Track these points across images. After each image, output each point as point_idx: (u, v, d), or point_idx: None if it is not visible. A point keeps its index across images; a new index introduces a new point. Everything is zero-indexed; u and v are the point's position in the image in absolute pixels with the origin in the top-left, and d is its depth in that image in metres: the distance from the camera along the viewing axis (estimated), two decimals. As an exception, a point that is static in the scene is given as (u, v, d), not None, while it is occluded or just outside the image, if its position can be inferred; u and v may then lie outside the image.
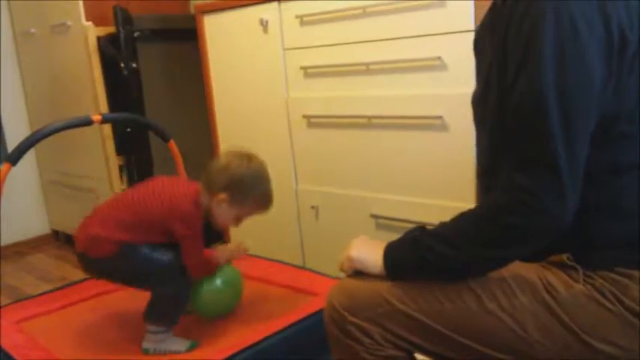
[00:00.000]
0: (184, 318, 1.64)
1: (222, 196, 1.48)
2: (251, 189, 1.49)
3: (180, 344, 1.54)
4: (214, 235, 2.04)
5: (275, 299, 1.77)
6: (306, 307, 1.60)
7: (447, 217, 1.69)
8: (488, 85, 1.01)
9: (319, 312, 1.58)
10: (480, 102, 1.07)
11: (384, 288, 1.03)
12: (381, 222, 2.04)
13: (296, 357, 1.51)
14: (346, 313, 1.03)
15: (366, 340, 1.02)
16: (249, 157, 1.52)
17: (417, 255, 0.99)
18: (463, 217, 0.98)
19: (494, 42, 0.98)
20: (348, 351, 1.04)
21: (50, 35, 2.89)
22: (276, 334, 1.49)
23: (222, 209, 1.50)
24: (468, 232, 0.96)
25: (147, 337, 1.54)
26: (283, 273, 1.92)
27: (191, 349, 1.54)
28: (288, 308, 1.64)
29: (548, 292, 0.96)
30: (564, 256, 0.97)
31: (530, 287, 0.97)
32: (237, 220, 1.55)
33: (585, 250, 0.96)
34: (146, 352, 1.53)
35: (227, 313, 1.67)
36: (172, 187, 1.53)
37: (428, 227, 1.04)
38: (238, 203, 1.49)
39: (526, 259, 1.01)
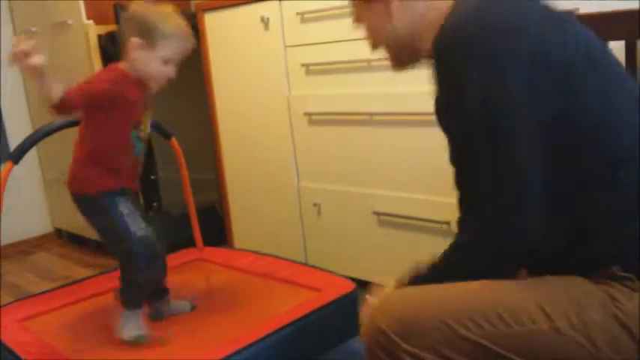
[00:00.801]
0: (185, 314, 1.65)
1: (134, 41, 1.45)
2: (159, 24, 1.45)
3: (130, 329, 1.55)
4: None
5: (277, 295, 1.78)
6: (309, 304, 1.61)
7: (450, 213, 1.69)
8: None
9: (321, 308, 1.59)
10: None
11: (442, 310, 0.94)
12: (383, 219, 2.04)
13: (299, 353, 1.52)
14: (398, 339, 0.93)
15: None
16: (149, 2, 1.49)
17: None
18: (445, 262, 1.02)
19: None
20: None
21: (51, 34, 2.89)
22: (278, 330, 1.49)
23: (141, 56, 1.47)
24: (452, 274, 0.99)
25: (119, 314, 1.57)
26: (286, 269, 1.92)
27: (132, 342, 1.54)
28: (291, 305, 1.64)
29: (615, 305, 0.91)
30: (614, 269, 0.92)
31: (598, 302, 0.91)
32: (167, 65, 1.49)
33: (632, 259, 0.92)
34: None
35: None
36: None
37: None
38: (153, 43, 1.46)
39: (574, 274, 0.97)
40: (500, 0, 0.97)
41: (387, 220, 2.03)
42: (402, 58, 1.14)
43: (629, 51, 1.27)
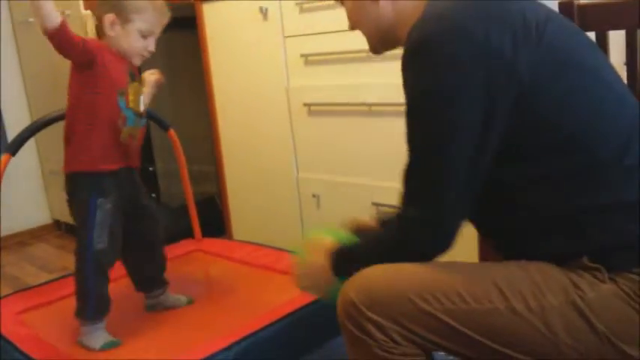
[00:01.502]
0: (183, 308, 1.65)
1: (109, 17, 1.46)
2: None
3: (96, 340, 1.54)
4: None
5: (276, 287, 1.78)
6: (308, 295, 1.60)
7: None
8: None
9: (319, 300, 1.58)
10: None
11: (407, 286, 0.99)
12: (382, 210, 2.04)
13: (297, 344, 1.52)
14: (364, 308, 0.99)
15: (380, 337, 0.98)
16: None
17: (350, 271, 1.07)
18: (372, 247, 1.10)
19: None
20: (362, 346, 1.00)
21: (49, 24, 2.87)
22: (277, 321, 1.49)
23: (118, 33, 1.48)
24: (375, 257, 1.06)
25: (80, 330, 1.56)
26: (284, 261, 1.91)
27: (106, 347, 1.52)
28: (289, 295, 1.64)
29: (576, 293, 0.92)
30: (584, 259, 0.94)
31: (559, 288, 0.93)
32: (144, 39, 1.51)
33: (600, 251, 0.94)
34: (79, 343, 1.55)
35: None
36: None
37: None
38: (127, 18, 1.47)
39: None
40: (472, 3, 0.98)
41: (386, 211, 2.03)
42: (378, 44, 1.19)
43: (630, 41, 1.26)
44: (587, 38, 1.07)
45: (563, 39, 0.99)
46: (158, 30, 1.52)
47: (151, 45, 1.53)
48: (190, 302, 1.73)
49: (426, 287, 0.98)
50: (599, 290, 0.92)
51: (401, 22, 1.09)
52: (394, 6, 1.09)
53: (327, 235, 1.25)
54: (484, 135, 0.94)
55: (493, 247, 1.11)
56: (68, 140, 1.53)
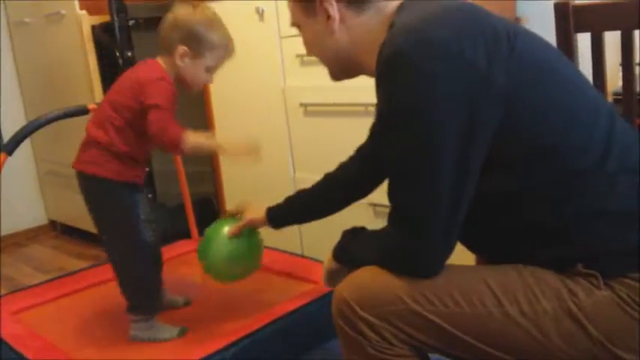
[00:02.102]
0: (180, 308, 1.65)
1: (182, 49, 1.45)
2: (207, 35, 1.46)
3: (168, 331, 1.55)
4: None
5: (273, 287, 1.78)
6: (305, 295, 1.61)
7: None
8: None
9: (317, 300, 1.59)
10: None
11: (400, 285, 0.99)
12: (379, 210, 2.04)
13: (294, 345, 1.52)
14: (356, 307, 0.99)
15: (373, 336, 0.98)
16: (194, 5, 1.49)
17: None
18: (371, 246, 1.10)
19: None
20: (355, 345, 1.00)
21: (44, 24, 2.87)
22: (274, 322, 1.49)
23: (187, 65, 1.48)
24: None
25: (132, 325, 1.55)
26: (282, 261, 1.92)
27: (181, 335, 1.54)
28: (287, 296, 1.64)
29: (571, 299, 0.92)
30: (578, 266, 0.94)
31: (553, 293, 0.93)
32: (208, 73, 1.52)
33: (594, 258, 0.94)
34: (135, 338, 1.54)
35: (238, 279, 1.60)
36: (138, 66, 1.52)
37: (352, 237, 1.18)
38: (200, 53, 1.47)
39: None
40: (441, 16, 0.96)
41: (383, 211, 2.03)
42: (339, 72, 1.18)
43: (625, 42, 1.27)
44: (555, 49, 1.06)
45: (533, 50, 0.98)
46: (221, 65, 1.54)
47: (210, 78, 1.54)
48: (188, 304, 1.73)
49: (418, 288, 0.97)
50: (594, 297, 0.92)
51: (361, 50, 1.07)
52: (350, 35, 1.07)
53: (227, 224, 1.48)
54: (467, 149, 0.92)
55: (481, 259, 1.11)
56: (104, 149, 1.48)
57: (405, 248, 0.97)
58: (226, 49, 1.51)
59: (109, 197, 1.51)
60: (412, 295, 0.97)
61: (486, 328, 0.94)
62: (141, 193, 1.56)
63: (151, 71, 1.46)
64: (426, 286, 0.97)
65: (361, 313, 0.98)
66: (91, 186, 1.51)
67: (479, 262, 1.32)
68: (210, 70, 1.52)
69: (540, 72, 0.97)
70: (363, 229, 1.19)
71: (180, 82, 1.51)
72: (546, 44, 1.04)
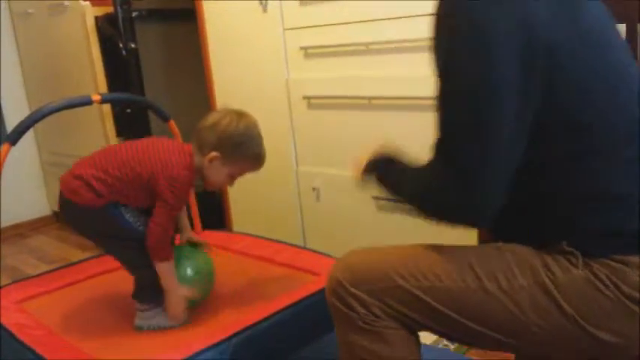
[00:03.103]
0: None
1: (214, 154, 1.46)
2: (242, 147, 1.48)
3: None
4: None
5: (276, 279, 1.78)
6: (307, 287, 1.61)
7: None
8: None
9: (319, 292, 1.59)
10: None
11: (388, 263, 1.05)
12: (382, 204, 2.05)
13: (296, 337, 1.52)
14: (348, 285, 1.06)
15: (362, 311, 1.04)
16: (239, 115, 1.50)
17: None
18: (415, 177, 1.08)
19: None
20: (346, 321, 1.07)
21: (48, 15, 2.87)
22: (276, 313, 1.49)
23: (214, 168, 1.49)
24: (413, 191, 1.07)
25: (137, 314, 1.55)
26: (284, 253, 1.92)
27: (185, 322, 1.55)
28: (289, 288, 1.64)
29: (547, 275, 0.96)
30: (563, 243, 0.97)
31: (530, 270, 0.97)
32: (231, 179, 1.54)
33: (581, 237, 0.97)
34: (140, 328, 1.54)
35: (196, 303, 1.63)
36: (166, 143, 1.52)
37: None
38: (230, 161, 1.48)
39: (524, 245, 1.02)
40: None
41: (385, 204, 2.04)
42: None
43: (630, 35, 1.27)
44: (612, 19, 1.04)
45: (595, 18, 0.98)
46: (243, 175, 1.55)
47: (231, 183, 1.56)
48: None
49: (405, 266, 1.04)
50: (569, 274, 0.95)
51: None
52: None
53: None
54: (523, 102, 0.92)
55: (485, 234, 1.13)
56: (92, 185, 1.47)
57: (462, 201, 0.96)
58: (256, 163, 1.53)
59: (94, 220, 1.51)
60: (399, 272, 1.03)
61: (465, 302, 0.99)
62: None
63: (178, 161, 1.47)
64: (413, 265, 1.03)
65: (352, 290, 1.05)
66: (76, 212, 1.51)
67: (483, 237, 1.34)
68: (234, 176, 1.53)
69: (596, 43, 0.96)
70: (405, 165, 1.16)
71: (201, 177, 1.53)
72: (605, 11, 1.03)
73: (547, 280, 0.96)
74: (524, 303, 0.96)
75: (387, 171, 1.16)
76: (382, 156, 1.19)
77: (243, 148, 1.48)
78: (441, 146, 0.99)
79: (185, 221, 1.71)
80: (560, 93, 0.93)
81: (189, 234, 1.72)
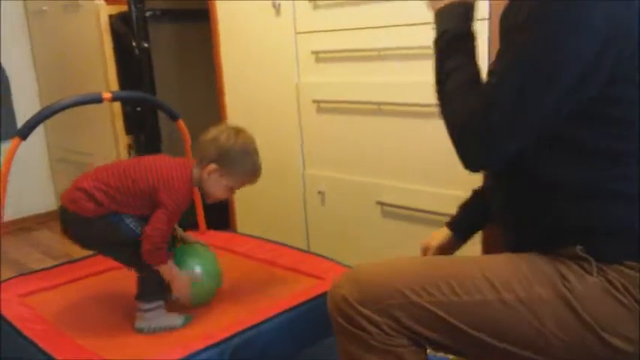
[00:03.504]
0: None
1: (212, 167, 1.53)
2: (239, 161, 1.55)
3: (174, 319, 1.56)
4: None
5: (278, 282, 1.78)
6: (310, 291, 1.61)
7: (455, 206, 1.67)
8: None
9: (322, 295, 1.58)
10: None
11: (398, 279, 1.01)
12: (387, 209, 2.04)
13: (297, 339, 1.52)
14: (356, 304, 1.01)
15: (374, 330, 1.00)
16: (237, 131, 1.58)
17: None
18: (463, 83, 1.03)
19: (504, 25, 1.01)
20: (357, 340, 1.02)
21: (62, 13, 2.89)
22: (277, 315, 1.49)
23: (212, 180, 1.55)
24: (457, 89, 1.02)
25: (139, 315, 1.55)
26: (288, 256, 1.92)
27: (186, 322, 1.56)
28: (291, 291, 1.64)
29: (563, 284, 0.95)
30: (577, 248, 0.96)
31: (547, 279, 0.96)
32: (229, 191, 1.60)
33: (596, 241, 0.95)
34: (140, 330, 1.54)
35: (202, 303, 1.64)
36: (168, 160, 1.57)
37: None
38: (227, 174, 1.55)
39: (537, 251, 1.01)
40: None
41: (390, 210, 2.03)
42: None
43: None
44: None
45: None
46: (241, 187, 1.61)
47: (229, 196, 1.63)
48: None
49: (416, 280, 1.00)
50: (585, 283, 0.94)
51: None
52: None
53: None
54: (581, 83, 0.91)
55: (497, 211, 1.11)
56: (94, 197, 1.49)
57: (482, 127, 0.95)
58: (252, 176, 1.60)
59: (93, 229, 1.52)
60: (411, 288, 0.99)
61: (483, 315, 0.96)
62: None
63: (179, 174, 1.52)
64: (424, 278, 1.00)
65: (361, 309, 1.00)
66: (79, 222, 1.52)
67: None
68: (232, 189, 1.59)
69: None
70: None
71: (201, 190, 1.59)
72: None
73: (564, 290, 0.94)
74: (544, 314, 0.94)
75: (454, 36, 1.06)
76: (461, 13, 1.09)
77: (241, 162, 1.55)
78: (496, 80, 0.96)
79: (181, 232, 1.74)
80: (620, 89, 0.93)
81: (188, 237, 1.74)
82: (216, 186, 1.56)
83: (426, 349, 1.04)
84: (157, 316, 1.55)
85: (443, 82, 1.04)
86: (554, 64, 0.90)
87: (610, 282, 0.93)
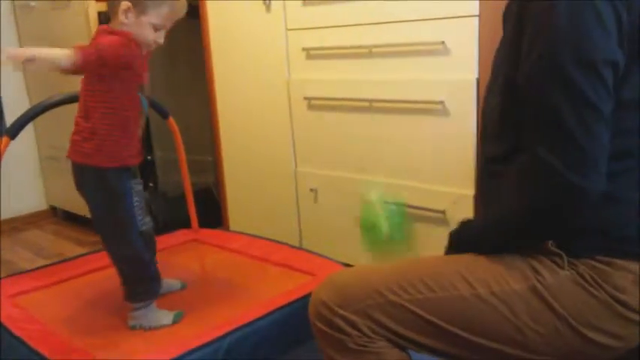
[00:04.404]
0: (175, 295, 1.65)
1: (124, 5, 1.41)
2: None
3: (164, 317, 1.55)
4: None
5: (271, 279, 1.78)
6: (302, 287, 1.61)
7: (446, 203, 1.69)
8: (504, 58, 1.03)
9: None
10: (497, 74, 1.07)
11: (376, 279, 1.03)
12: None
13: (291, 337, 1.52)
14: (334, 306, 1.02)
15: (353, 332, 1.01)
16: None
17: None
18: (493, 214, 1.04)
19: (513, 15, 0.99)
20: (336, 344, 1.02)
21: (50, 9, 2.86)
22: (271, 313, 1.49)
23: (131, 22, 1.43)
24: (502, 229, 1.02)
25: (129, 314, 1.55)
26: (280, 253, 1.92)
27: (177, 320, 1.55)
28: (285, 288, 1.64)
29: (536, 278, 0.97)
30: (548, 243, 0.98)
31: (520, 274, 0.98)
32: (158, 32, 1.47)
33: (568, 237, 0.97)
34: (133, 328, 1.54)
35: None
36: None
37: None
38: (142, 10, 1.43)
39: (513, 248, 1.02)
40: None
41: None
42: None
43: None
44: None
45: None
46: (170, 24, 1.50)
47: (160, 38, 1.49)
48: (184, 287, 1.74)
49: (393, 280, 1.01)
50: (557, 276, 0.96)
51: None
52: None
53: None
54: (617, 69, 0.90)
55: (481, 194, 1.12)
56: (89, 136, 1.47)
57: (563, 175, 0.90)
58: (171, 6, 1.46)
59: (101, 186, 1.49)
60: (389, 287, 1.00)
61: (460, 310, 0.98)
62: (135, 179, 1.53)
63: (107, 37, 1.42)
64: (401, 278, 1.01)
65: (340, 311, 1.01)
66: (83, 175, 1.50)
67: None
68: (158, 28, 1.46)
69: None
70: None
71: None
72: None
73: (537, 283, 0.96)
74: (518, 307, 0.96)
75: (462, 237, 1.10)
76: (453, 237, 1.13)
77: None
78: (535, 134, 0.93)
79: None
80: (625, 90, 0.93)
81: None
82: (138, 29, 1.43)
83: (407, 352, 1.05)
84: (147, 314, 1.55)
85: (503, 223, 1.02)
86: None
87: (581, 275, 0.95)
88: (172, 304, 1.61)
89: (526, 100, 0.94)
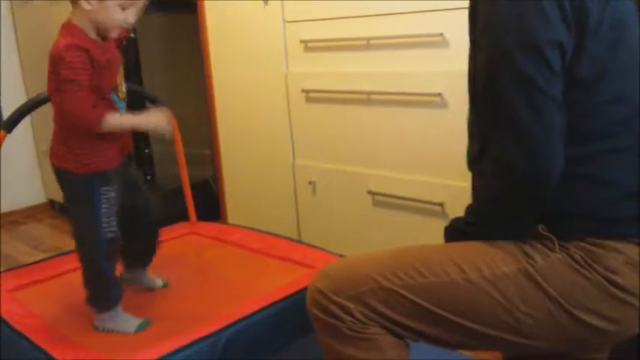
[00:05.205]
0: (172, 288, 1.65)
1: None
2: None
3: (128, 324, 1.51)
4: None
5: (269, 272, 1.78)
6: (300, 280, 1.61)
7: (445, 195, 1.68)
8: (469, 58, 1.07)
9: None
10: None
11: (369, 266, 1.05)
12: (377, 199, 2.04)
13: (289, 330, 1.52)
14: (329, 293, 1.04)
15: (347, 318, 1.02)
16: None
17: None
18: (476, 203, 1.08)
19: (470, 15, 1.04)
20: (331, 330, 1.04)
21: (48, 4, 2.85)
22: (269, 306, 1.49)
23: (95, 7, 1.35)
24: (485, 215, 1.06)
25: (95, 316, 1.53)
26: (278, 246, 1.92)
27: (140, 329, 1.50)
28: (283, 281, 1.64)
29: (527, 262, 0.98)
30: (539, 227, 0.99)
31: (511, 258, 0.99)
32: (125, 12, 1.38)
33: (557, 220, 0.98)
34: (97, 329, 1.51)
35: None
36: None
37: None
38: None
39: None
40: None
41: (381, 200, 2.03)
42: None
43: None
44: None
45: (624, 9, 0.98)
46: (138, 4, 1.42)
47: (130, 16, 1.40)
48: (165, 285, 1.72)
49: (387, 266, 1.03)
50: (548, 259, 0.97)
51: None
52: None
53: None
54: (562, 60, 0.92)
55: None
56: (64, 141, 1.45)
57: (514, 164, 0.94)
58: None
59: (69, 189, 1.49)
60: (382, 273, 1.02)
61: (452, 295, 0.99)
62: (108, 185, 1.47)
63: (59, 40, 1.38)
64: (394, 263, 1.03)
65: (335, 298, 1.03)
66: (59, 177, 1.48)
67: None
68: (126, 7, 1.37)
69: (621, 37, 0.96)
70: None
71: (99, 31, 1.40)
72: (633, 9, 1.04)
73: (527, 266, 0.97)
74: (510, 290, 0.97)
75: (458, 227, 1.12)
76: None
77: None
78: (498, 131, 0.96)
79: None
80: (582, 68, 0.93)
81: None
82: (105, 11, 1.35)
83: (403, 339, 1.06)
84: (113, 317, 1.51)
85: (487, 206, 1.06)
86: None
87: (572, 257, 0.96)
88: (170, 298, 1.61)
89: (478, 90, 0.99)
